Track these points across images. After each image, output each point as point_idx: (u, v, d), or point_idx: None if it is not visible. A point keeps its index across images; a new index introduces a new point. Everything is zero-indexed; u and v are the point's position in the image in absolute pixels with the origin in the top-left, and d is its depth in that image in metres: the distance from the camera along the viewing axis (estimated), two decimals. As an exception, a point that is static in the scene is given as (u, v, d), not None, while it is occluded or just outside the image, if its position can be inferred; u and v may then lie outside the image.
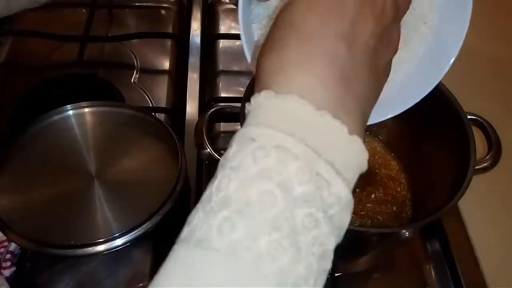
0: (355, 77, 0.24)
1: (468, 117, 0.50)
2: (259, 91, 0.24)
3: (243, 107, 0.48)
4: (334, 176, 0.22)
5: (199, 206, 0.22)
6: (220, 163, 0.23)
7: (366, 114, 0.26)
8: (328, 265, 0.22)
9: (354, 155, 0.24)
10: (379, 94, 0.27)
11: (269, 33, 0.26)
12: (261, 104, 0.23)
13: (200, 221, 0.21)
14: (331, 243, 0.22)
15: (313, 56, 0.24)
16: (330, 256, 0.22)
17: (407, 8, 0.28)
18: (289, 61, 0.24)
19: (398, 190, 0.58)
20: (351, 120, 0.23)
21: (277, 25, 0.26)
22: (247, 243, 0.20)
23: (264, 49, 0.26)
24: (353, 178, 0.24)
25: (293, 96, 0.23)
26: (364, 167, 0.24)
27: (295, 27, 0.25)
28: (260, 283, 0.20)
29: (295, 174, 0.21)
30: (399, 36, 0.27)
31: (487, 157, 0.51)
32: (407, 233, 0.50)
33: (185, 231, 0.22)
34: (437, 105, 0.52)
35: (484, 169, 0.50)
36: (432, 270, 0.58)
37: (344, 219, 0.23)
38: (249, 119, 0.24)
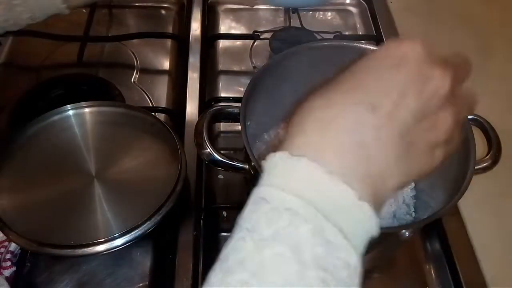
0: (377, 146, 0.24)
1: (468, 117, 0.50)
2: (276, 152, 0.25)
3: (243, 107, 0.48)
4: (342, 241, 0.22)
5: (217, 265, 0.23)
6: (236, 221, 0.24)
7: (386, 183, 0.25)
8: None
9: (363, 221, 0.24)
10: (415, 172, 0.27)
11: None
12: (276, 164, 0.24)
13: (218, 281, 0.22)
14: None
15: (331, 121, 0.25)
16: None
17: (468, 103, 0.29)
18: (309, 125, 0.25)
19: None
20: (363, 186, 0.24)
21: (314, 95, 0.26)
22: None
23: (292, 116, 0.26)
24: (361, 243, 0.24)
25: (305, 158, 0.23)
26: (374, 232, 0.25)
27: (324, 97, 0.26)
28: None
29: (305, 237, 0.22)
30: (449, 126, 0.27)
31: (487, 157, 0.51)
32: (407, 233, 0.50)
33: None
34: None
35: (484, 169, 0.50)
36: (432, 270, 0.58)
37: (353, 283, 0.23)
38: (263, 178, 0.25)
